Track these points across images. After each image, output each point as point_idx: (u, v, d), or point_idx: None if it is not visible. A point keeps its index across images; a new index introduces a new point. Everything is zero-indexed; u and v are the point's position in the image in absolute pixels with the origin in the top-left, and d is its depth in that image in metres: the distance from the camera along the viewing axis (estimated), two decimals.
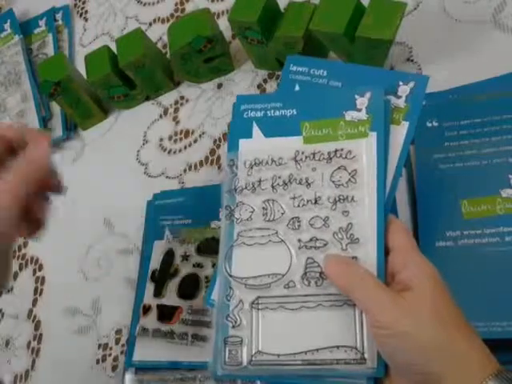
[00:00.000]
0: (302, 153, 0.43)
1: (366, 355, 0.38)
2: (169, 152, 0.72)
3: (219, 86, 0.72)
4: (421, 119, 0.54)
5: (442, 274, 0.47)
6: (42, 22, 0.91)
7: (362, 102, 0.43)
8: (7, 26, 0.91)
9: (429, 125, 0.53)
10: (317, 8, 0.60)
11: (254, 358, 0.40)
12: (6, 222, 0.39)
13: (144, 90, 0.75)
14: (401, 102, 0.44)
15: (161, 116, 0.75)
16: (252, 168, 0.44)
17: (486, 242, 0.47)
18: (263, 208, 0.43)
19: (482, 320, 0.44)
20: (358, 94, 0.44)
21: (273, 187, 0.43)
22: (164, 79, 0.74)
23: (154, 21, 0.83)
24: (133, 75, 0.72)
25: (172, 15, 0.82)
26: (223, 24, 0.71)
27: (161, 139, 0.74)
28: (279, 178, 0.43)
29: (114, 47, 0.73)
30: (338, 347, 0.39)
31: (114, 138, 0.78)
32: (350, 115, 0.43)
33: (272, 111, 0.46)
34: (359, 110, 0.43)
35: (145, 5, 0.85)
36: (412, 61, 0.61)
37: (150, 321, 0.59)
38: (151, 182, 0.71)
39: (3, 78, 0.86)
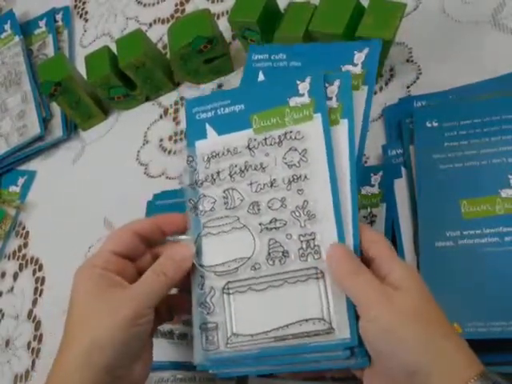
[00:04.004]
0: (255, 140, 0.45)
1: (333, 325, 0.39)
2: (169, 152, 0.72)
3: (219, 86, 0.73)
4: (421, 119, 0.54)
5: (441, 274, 0.47)
6: (42, 23, 0.91)
7: (304, 86, 0.45)
8: (7, 26, 0.91)
9: (429, 125, 0.53)
10: (316, 9, 0.60)
11: (229, 341, 0.42)
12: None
13: (144, 90, 0.75)
14: (358, 69, 0.45)
15: (161, 116, 0.75)
16: (209, 161, 0.46)
17: (485, 242, 0.47)
18: (224, 197, 0.45)
19: (482, 320, 0.44)
20: (299, 80, 0.45)
21: (231, 176, 0.45)
22: (164, 80, 0.74)
23: (154, 21, 0.83)
24: (133, 76, 0.72)
25: (172, 16, 0.82)
26: (223, 25, 0.71)
27: (161, 139, 0.74)
28: (236, 166, 0.45)
29: (114, 48, 0.73)
30: (306, 320, 0.40)
31: (114, 138, 0.78)
32: (294, 101, 0.45)
33: (222, 109, 0.47)
34: (302, 95, 0.45)
35: (145, 5, 0.85)
36: (412, 61, 0.61)
37: None
38: (151, 182, 0.71)
39: (3, 79, 0.86)
